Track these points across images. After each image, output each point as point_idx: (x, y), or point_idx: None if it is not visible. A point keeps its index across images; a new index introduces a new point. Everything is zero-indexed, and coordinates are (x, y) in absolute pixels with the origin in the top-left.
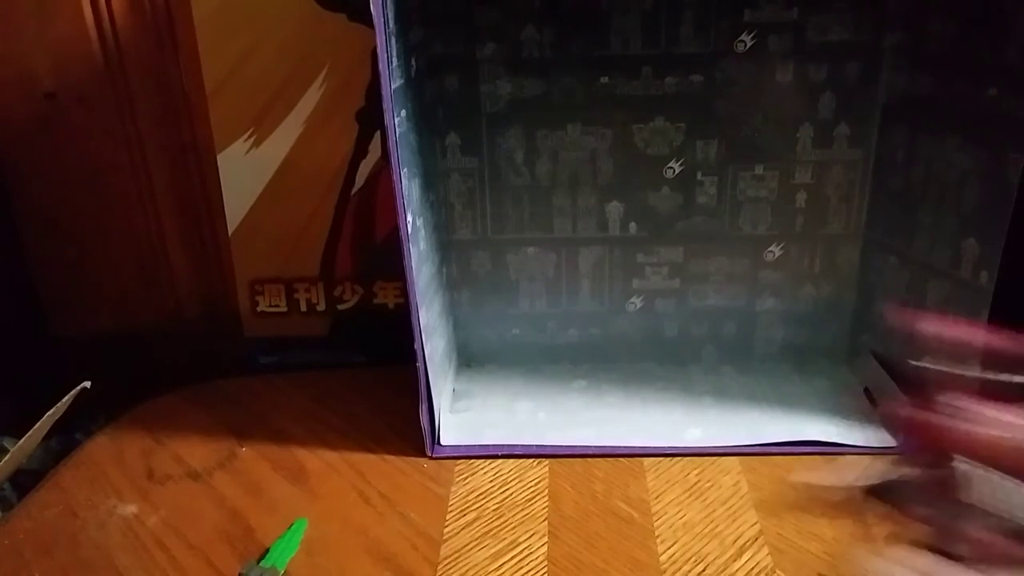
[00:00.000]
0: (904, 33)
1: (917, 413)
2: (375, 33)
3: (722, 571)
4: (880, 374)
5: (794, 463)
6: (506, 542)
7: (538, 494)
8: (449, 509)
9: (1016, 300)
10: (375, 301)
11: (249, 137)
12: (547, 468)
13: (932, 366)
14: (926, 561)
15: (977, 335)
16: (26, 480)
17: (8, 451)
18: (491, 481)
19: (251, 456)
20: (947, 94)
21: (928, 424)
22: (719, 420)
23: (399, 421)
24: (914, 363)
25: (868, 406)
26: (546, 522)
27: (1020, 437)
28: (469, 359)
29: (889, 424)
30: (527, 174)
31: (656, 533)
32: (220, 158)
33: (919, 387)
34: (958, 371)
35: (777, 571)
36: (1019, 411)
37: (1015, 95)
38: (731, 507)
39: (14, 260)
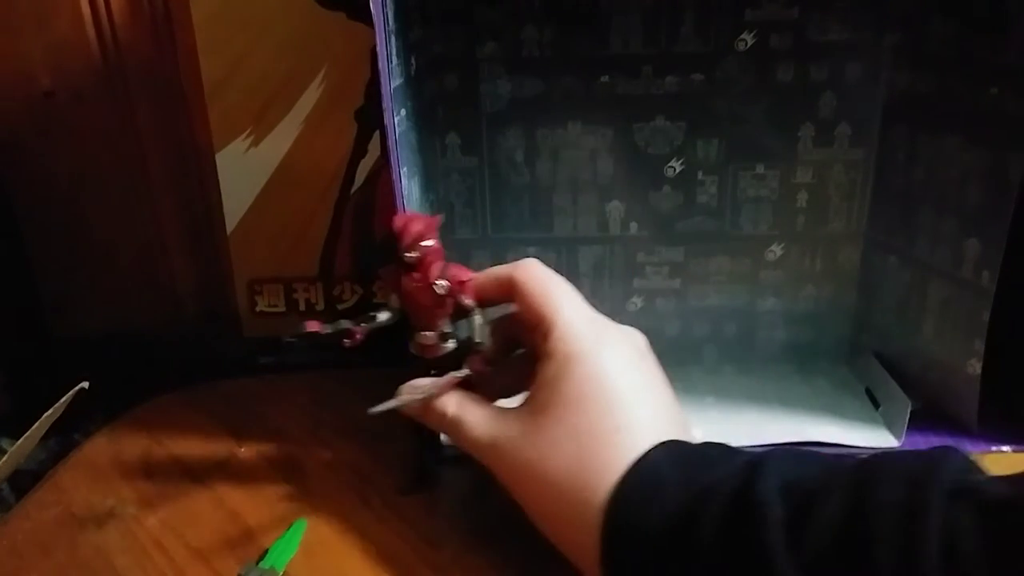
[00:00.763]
0: (905, 33)
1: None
2: (374, 32)
3: None
4: (881, 374)
5: None
6: (507, 543)
7: None
8: (449, 510)
9: (1017, 300)
10: (375, 301)
11: (248, 136)
12: None
13: (411, 255)
14: (424, 380)
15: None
16: (24, 481)
17: (6, 452)
18: (491, 482)
19: (250, 456)
20: (948, 94)
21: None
22: (720, 420)
23: (399, 421)
24: (405, 253)
25: (869, 406)
26: None
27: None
28: None
29: (390, 290)
30: (527, 173)
31: None
32: (218, 157)
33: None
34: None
35: None
36: (471, 271)
37: (1016, 95)
38: None
39: (14, 260)
